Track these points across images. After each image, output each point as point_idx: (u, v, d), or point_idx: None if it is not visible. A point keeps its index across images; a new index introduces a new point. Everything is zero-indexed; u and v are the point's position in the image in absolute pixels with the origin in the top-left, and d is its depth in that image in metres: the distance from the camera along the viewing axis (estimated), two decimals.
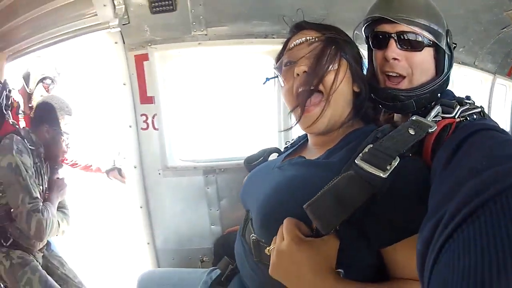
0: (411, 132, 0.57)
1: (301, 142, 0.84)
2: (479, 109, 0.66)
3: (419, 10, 0.70)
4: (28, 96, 1.47)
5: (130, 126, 1.41)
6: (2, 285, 1.34)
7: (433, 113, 0.63)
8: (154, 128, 1.41)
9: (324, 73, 0.66)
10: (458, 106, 0.64)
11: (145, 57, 1.35)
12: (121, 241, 2.43)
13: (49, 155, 1.43)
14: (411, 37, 0.70)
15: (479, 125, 0.57)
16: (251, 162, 0.92)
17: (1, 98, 1.30)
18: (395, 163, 0.52)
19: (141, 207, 1.49)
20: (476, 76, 2.15)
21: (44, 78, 1.59)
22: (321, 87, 0.67)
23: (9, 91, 1.35)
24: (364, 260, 0.60)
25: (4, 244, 1.31)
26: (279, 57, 0.77)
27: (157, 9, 1.22)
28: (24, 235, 1.31)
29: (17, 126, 1.34)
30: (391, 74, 0.72)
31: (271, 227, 0.60)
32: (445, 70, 0.73)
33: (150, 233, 1.53)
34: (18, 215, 1.22)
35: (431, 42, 0.71)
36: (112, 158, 1.71)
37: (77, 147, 1.62)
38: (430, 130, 0.58)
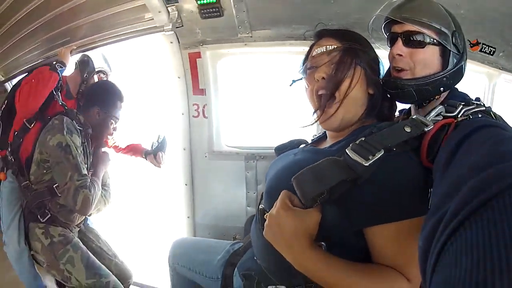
0: (407, 129, 0.61)
1: (321, 136, 0.94)
2: (484, 108, 0.67)
3: (425, 12, 0.76)
4: (81, 81, 1.48)
5: (182, 114, 1.60)
6: (40, 262, 1.34)
7: (433, 113, 0.66)
8: (204, 117, 1.58)
9: (340, 80, 0.74)
10: (461, 106, 0.66)
11: (197, 55, 1.51)
12: (162, 216, 2.62)
13: (96, 136, 1.46)
14: (415, 36, 0.76)
15: (480, 122, 0.59)
16: (280, 150, 1.00)
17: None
18: (379, 154, 0.58)
19: (186, 185, 1.68)
20: None
21: (100, 71, 1.75)
22: (336, 92, 0.75)
23: (59, 73, 1.40)
24: (350, 241, 0.66)
25: (41, 220, 1.31)
26: (303, 62, 0.85)
27: (206, 15, 1.34)
28: (64, 211, 1.33)
29: (66, 108, 1.38)
30: (397, 68, 0.79)
31: (273, 198, 0.69)
32: (449, 67, 0.77)
33: (192, 208, 1.70)
34: (66, 190, 1.23)
35: (435, 41, 0.75)
36: (151, 142, 1.72)
37: (123, 132, 1.64)
38: (426, 129, 0.62)
